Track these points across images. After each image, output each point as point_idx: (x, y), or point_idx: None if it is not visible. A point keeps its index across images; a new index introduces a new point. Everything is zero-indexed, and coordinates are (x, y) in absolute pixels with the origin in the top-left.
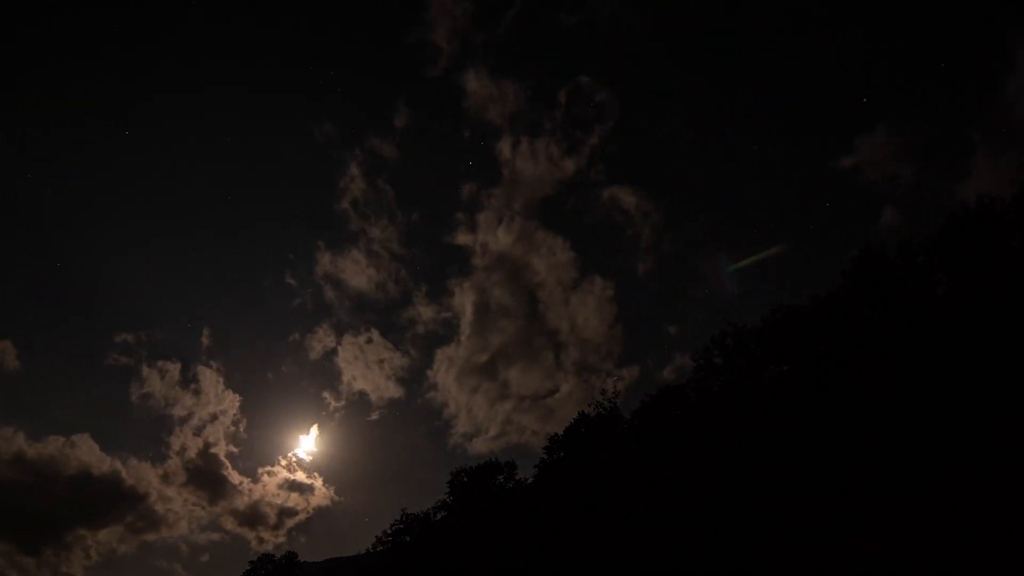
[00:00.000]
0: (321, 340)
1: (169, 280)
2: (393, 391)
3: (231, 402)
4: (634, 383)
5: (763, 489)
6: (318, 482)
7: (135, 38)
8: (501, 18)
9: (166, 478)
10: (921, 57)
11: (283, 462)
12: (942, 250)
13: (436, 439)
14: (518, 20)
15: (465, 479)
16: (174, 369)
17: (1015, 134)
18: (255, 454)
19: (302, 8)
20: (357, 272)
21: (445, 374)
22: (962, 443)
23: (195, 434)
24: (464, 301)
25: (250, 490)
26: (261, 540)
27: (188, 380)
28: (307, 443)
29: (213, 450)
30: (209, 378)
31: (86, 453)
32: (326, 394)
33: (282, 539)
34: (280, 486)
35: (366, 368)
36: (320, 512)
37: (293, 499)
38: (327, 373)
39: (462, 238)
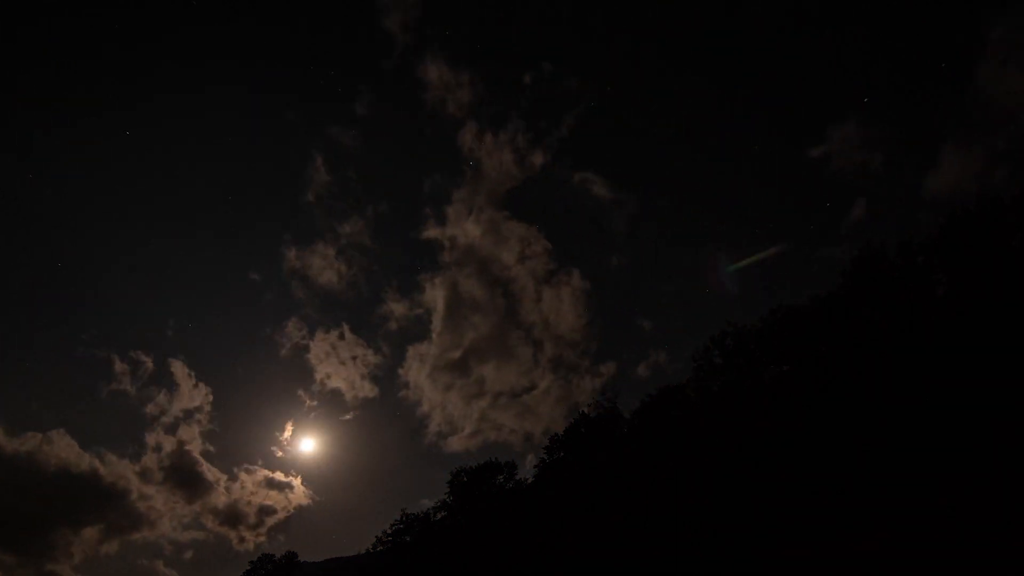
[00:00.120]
0: (291, 337)
1: (138, 275)
2: (367, 390)
3: (204, 397)
4: (611, 380)
5: (763, 489)
6: (296, 481)
7: (135, 38)
8: (459, 4)
9: (144, 475)
10: (892, 47)
11: (260, 460)
12: (942, 250)
13: (412, 438)
14: (478, 6)
15: (465, 479)
16: (147, 361)
17: (983, 125)
18: (231, 452)
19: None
20: (325, 267)
21: (419, 372)
22: (962, 443)
23: (167, 432)
24: (436, 296)
25: (228, 488)
26: (242, 539)
27: (160, 374)
28: (283, 441)
29: (188, 447)
30: (181, 372)
31: (64, 449)
32: (300, 392)
33: (263, 538)
34: (258, 484)
35: (339, 365)
36: (300, 511)
37: (271, 498)
38: (300, 371)
39: (430, 232)
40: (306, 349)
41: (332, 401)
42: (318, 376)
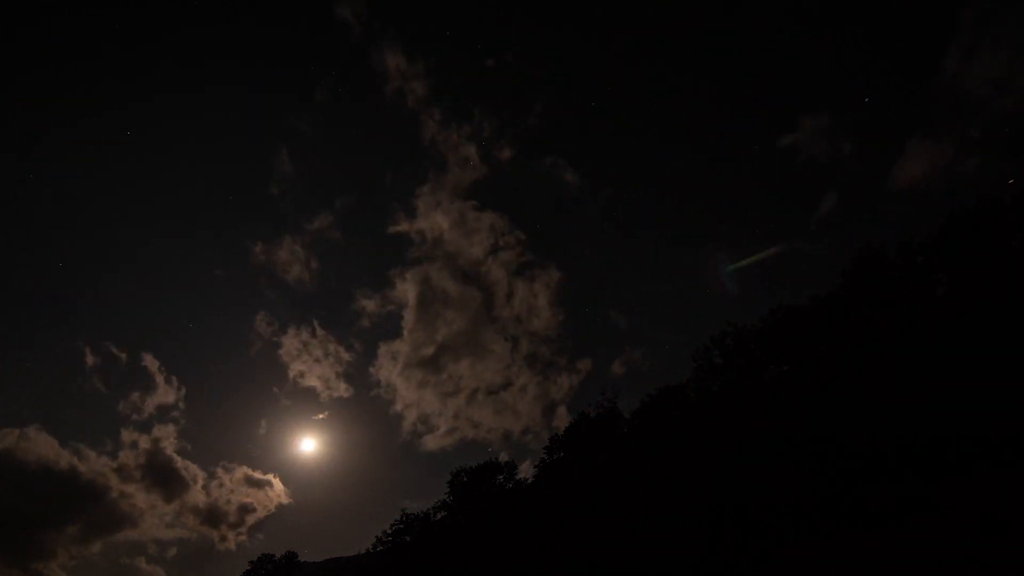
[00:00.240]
0: (262, 334)
1: (108, 270)
2: (341, 389)
3: (178, 393)
4: (587, 377)
5: (763, 489)
6: (274, 480)
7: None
8: None
9: (121, 472)
10: (861, 36)
11: (237, 459)
12: (942, 250)
13: (388, 437)
14: None
15: (465, 479)
16: (121, 355)
17: (949, 115)
18: (207, 450)
19: None
20: (293, 262)
21: (392, 369)
22: (962, 443)
23: (143, 429)
24: (407, 292)
25: (206, 487)
26: (224, 538)
27: (133, 370)
28: (259, 440)
29: (163, 444)
30: (153, 367)
31: (42, 446)
32: (275, 389)
33: (243, 537)
34: (237, 483)
35: (313, 363)
36: (282, 510)
37: (251, 496)
38: (272, 368)
39: (400, 226)
40: (278, 346)
41: (306, 399)
42: (291, 374)
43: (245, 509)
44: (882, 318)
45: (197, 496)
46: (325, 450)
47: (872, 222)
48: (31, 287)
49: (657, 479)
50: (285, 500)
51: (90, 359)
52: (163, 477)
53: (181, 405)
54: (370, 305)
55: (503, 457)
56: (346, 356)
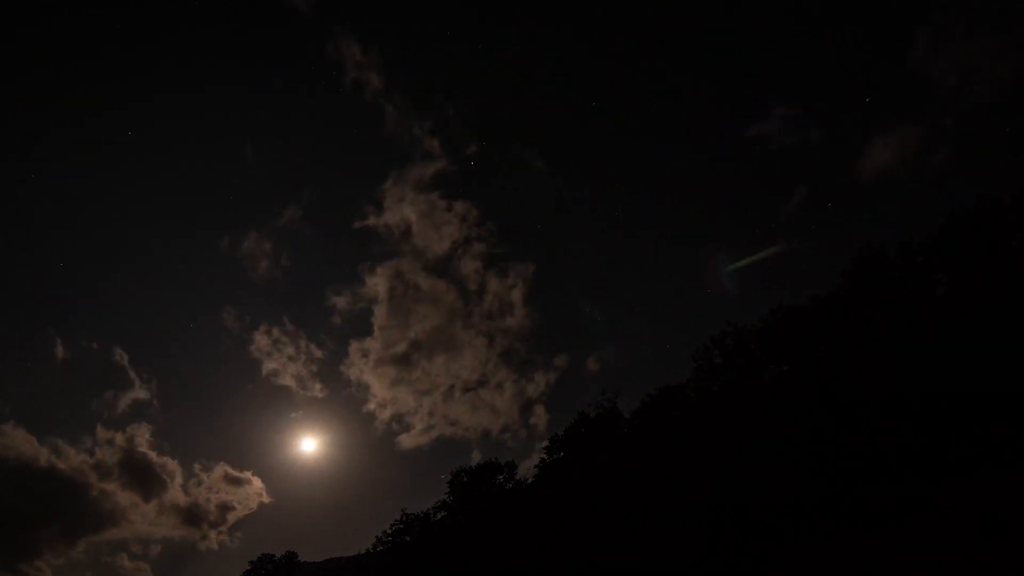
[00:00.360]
0: (232, 331)
1: (75, 265)
2: (313, 387)
3: (151, 390)
4: (564, 374)
5: (763, 489)
6: (252, 478)
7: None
8: None
9: (99, 469)
10: (828, 24)
11: (215, 457)
12: (942, 250)
13: (363, 435)
14: None
15: (465, 479)
16: (93, 348)
17: (913, 102)
18: (183, 447)
19: None
20: (261, 257)
21: (364, 367)
22: (962, 443)
23: (117, 426)
24: (378, 288)
25: (185, 485)
26: (204, 537)
27: (107, 364)
28: (235, 437)
29: (139, 440)
30: (124, 359)
31: (20, 443)
32: (249, 387)
33: (224, 536)
34: (217, 480)
35: (286, 361)
36: (263, 508)
37: (231, 495)
38: (244, 366)
39: (367, 220)
40: (249, 342)
41: (280, 397)
42: (264, 371)
43: (226, 507)
44: (882, 318)
45: (176, 494)
46: (303, 448)
47: (843, 215)
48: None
49: (657, 479)
50: (266, 499)
51: (61, 352)
52: (141, 475)
53: (155, 403)
54: (340, 302)
55: (476, 456)
56: (318, 353)
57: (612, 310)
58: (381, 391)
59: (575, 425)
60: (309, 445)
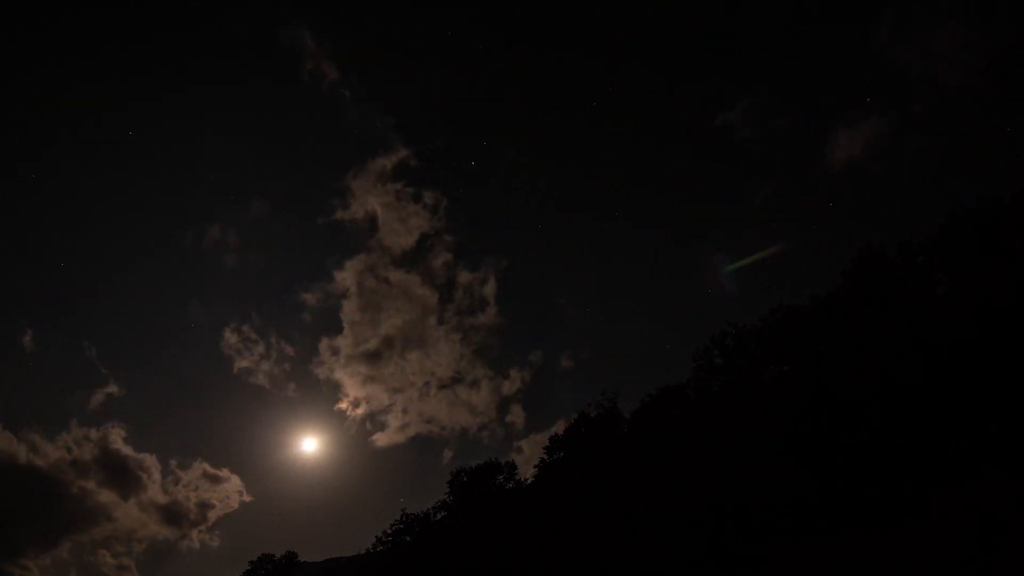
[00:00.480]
0: (202, 327)
1: (39, 260)
2: (285, 382)
3: (124, 386)
4: (539, 371)
5: (763, 489)
6: (230, 476)
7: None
8: None
9: (77, 466)
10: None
11: (190, 455)
12: (942, 250)
13: (338, 433)
14: None
15: (465, 479)
16: (64, 341)
17: (890, 92)
18: (160, 446)
19: None
20: (228, 253)
21: (335, 364)
22: (962, 443)
23: (92, 422)
24: (348, 284)
25: (161, 482)
26: (184, 536)
27: (75, 355)
28: (210, 435)
29: (113, 438)
30: (93, 354)
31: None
32: (221, 386)
33: (204, 535)
34: (195, 478)
35: (257, 359)
36: (243, 508)
37: (210, 493)
38: (216, 363)
39: (336, 215)
40: (219, 339)
41: (251, 394)
42: (236, 368)
43: (206, 505)
44: (882, 318)
45: (156, 492)
46: (280, 446)
47: (809, 205)
48: None
49: (657, 479)
50: (246, 498)
51: (30, 344)
52: (119, 472)
53: (128, 399)
54: (310, 298)
55: (448, 455)
56: (289, 350)
57: (588, 306)
58: (353, 389)
59: (575, 425)
60: (286, 443)
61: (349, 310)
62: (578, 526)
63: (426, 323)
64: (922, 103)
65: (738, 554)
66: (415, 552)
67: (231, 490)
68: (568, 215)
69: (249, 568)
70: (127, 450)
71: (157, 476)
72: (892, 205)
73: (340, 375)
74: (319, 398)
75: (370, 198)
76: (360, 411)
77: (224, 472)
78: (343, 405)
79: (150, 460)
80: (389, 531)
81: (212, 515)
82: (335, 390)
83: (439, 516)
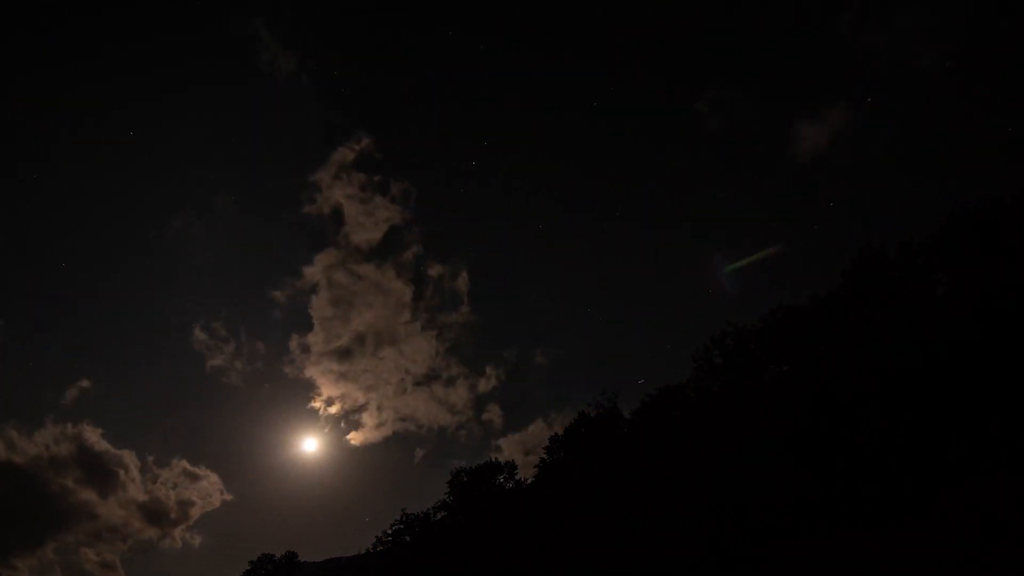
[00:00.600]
0: (171, 323)
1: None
2: (260, 385)
3: (100, 381)
4: (515, 368)
5: (763, 489)
6: (209, 474)
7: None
8: None
9: (53, 463)
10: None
11: (168, 453)
12: (942, 250)
13: (312, 431)
14: None
15: (465, 479)
16: (33, 335)
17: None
18: (135, 441)
19: None
20: (195, 248)
21: (307, 361)
22: (962, 443)
23: (67, 418)
24: (318, 279)
25: (140, 480)
26: (165, 535)
27: (45, 350)
28: (187, 433)
29: (89, 435)
30: (63, 349)
31: None
32: (195, 384)
33: (186, 533)
34: (174, 476)
35: (230, 357)
36: (224, 506)
37: (190, 492)
38: (189, 360)
39: (304, 208)
40: (189, 334)
41: (223, 392)
42: (207, 366)
43: (186, 503)
44: (882, 318)
45: (136, 490)
46: (257, 445)
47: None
48: None
49: (657, 479)
50: (227, 496)
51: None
52: (96, 469)
53: (103, 395)
54: (280, 296)
55: (420, 454)
56: (260, 347)
57: (588, 306)
58: (327, 387)
59: (575, 425)
60: (263, 442)
61: (319, 306)
62: (578, 526)
63: (398, 318)
64: (888, 93)
65: (738, 554)
66: (415, 552)
67: (211, 488)
68: (568, 215)
69: (249, 568)
70: (104, 446)
71: (136, 474)
72: (892, 205)
73: (311, 372)
74: (292, 396)
75: (335, 191)
76: (334, 409)
77: (202, 470)
78: (316, 404)
79: (128, 456)
80: (389, 531)
81: (194, 513)
82: (308, 388)
83: (439, 516)
